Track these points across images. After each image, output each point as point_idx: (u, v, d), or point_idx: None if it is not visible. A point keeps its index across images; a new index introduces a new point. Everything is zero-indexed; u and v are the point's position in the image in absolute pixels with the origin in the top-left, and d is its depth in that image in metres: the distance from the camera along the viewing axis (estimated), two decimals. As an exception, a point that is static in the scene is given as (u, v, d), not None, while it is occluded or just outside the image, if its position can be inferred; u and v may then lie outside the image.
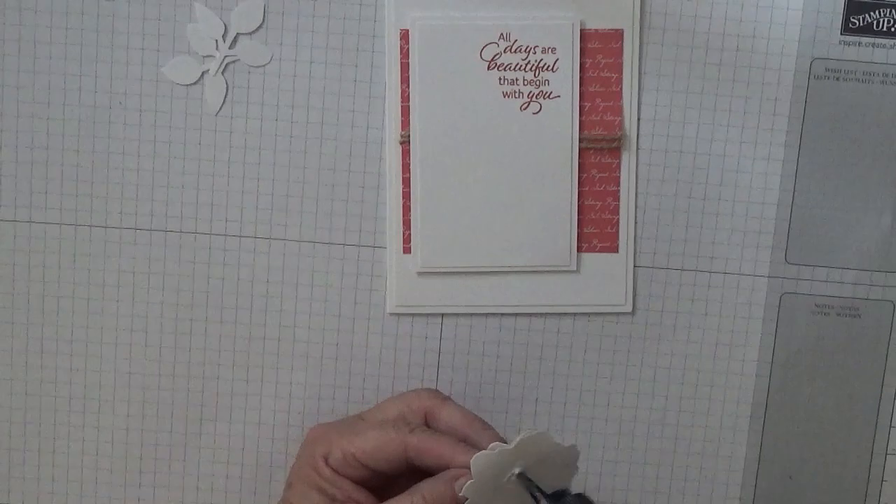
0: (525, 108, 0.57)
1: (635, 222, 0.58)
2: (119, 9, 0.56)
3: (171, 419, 0.59)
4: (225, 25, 0.56)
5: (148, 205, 0.57)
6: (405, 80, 0.56)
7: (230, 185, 0.57)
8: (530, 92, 0.57)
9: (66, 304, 0.58)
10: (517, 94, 0.57)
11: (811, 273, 0.58)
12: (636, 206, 0.58)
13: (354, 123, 0.57)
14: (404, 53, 0.56)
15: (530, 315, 0.59)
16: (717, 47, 0.57)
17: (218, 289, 0.58)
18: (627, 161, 0.57)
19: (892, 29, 0.57)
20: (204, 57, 0.56)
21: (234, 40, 0.56)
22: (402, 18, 0.56)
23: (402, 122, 0.57)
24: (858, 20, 0.56)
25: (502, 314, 0.59)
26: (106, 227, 0.58)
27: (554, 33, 0.56)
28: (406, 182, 0.57)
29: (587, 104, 0.57)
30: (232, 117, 0.57)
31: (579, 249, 0.58)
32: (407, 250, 0.58)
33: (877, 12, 0.56)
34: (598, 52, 0.57)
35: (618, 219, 0.58)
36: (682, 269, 0.58)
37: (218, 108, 0.57)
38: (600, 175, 0.58)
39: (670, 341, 0.59)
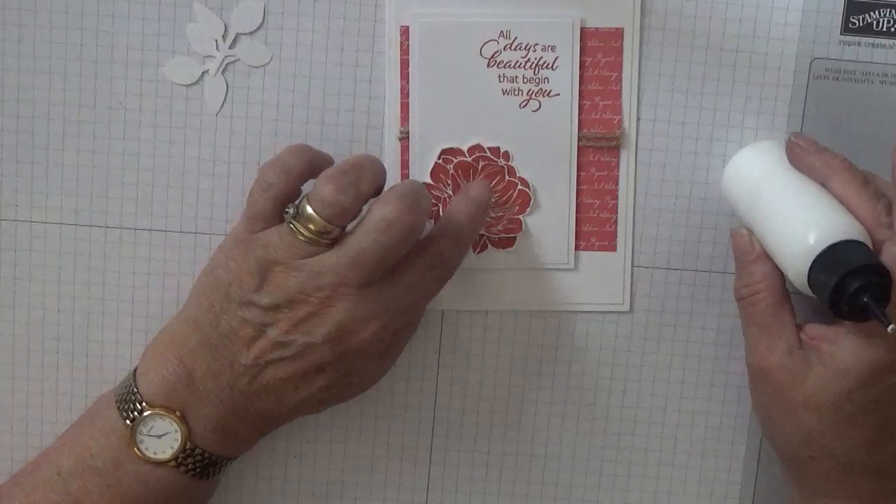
0: (524, 106, 0.57)
1: (633, 221, 0.58)
2: (119, 9, 0.56)
3: (172, 419, 0.59)
4: (225, 25, 0.56)
5: (148, 205, 0.58)
6: (405, 77, 0.56)
7: (230, 185, 0.57)
8: (530, 90, 0.57)
9: (67, 304, 0.58)
10: (517, 92, 0.57)
11: (811, 273, 0.58)
12: (634, 205, 0.58)
13: (354, 123, 0.57)
14: (404, 50, 0.56)
15: (529, 313, 0.59)
16: (717, 47, 0.57)
17: (218, 289, 0.58)
18: (626, 160, 0.57)
19: (892, 29, 0.56)
20: (204, 57, 0.56)
21: (234, 40, 0.56)
22: (403, 14, 0.56)
23: (402, 118, 0.57)
24: (858, 20, 0.56)
25: (501, 312, 0.59)
26: (106, 227, 0.58)
27: (554, 31, 0.56)
28: (405, 178, 0.57)
29: (587, 102, 0.57)
30: (232, 117, 0.57)
31: (577, 248, 0.58)
32: None
33: (877, 12, 0.56)
34: (598, 50, 0.57)
35: (616, 217, 0.58)
36: (681, 269, 0.58)
37: (218, 108, 0.57)
38: (599, 173, 0.58)
39: (670, 341, 0.59)
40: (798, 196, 0.52)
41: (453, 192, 0.57)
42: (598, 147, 0.57)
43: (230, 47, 0.56)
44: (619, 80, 0.57)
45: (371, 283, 0.50)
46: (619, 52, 0.57)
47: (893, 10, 0.56)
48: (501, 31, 0.56)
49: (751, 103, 0.57)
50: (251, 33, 0.56)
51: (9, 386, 0.59)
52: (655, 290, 0.59)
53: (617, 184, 0.58)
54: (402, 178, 0.57)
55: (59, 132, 0.57)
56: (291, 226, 0.50)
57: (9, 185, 0.57)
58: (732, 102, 0.57)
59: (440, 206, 0.57)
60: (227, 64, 0.57)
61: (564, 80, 0.57)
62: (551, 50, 0.56)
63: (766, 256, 0.53)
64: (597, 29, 0.56)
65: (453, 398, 0.60)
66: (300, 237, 0.50)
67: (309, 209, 0.50)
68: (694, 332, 0.59)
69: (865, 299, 0.47)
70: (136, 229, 0.58)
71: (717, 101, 0.57)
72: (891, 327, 0.46)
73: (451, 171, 0.57)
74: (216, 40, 0.56)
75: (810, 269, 0.49)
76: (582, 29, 0.56)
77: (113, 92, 0.57)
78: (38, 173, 0.57)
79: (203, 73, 0.57)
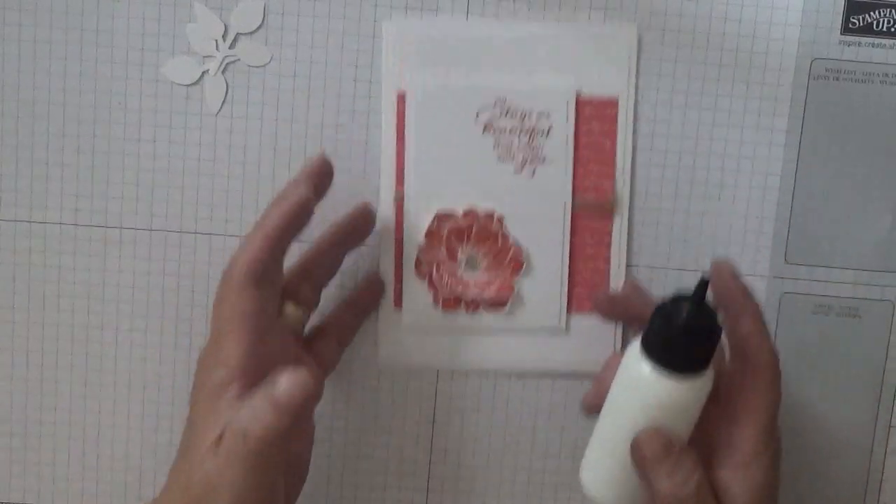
0: (519, 172, 0.57)
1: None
2: (119, 9, 0.56)
3: (172, 419, 0.59)
4: (225, 25, 0.56)
5: (148, 205, 0.58)
6: (401, 141, 0.57)
7: (230, 185, 0.57)
8: (524, 156, 0.57)
9: (66, 303, 0.58)
10: (511, 158, 0.57)
11: (811, 273, 0.58)
12: (627, 267, 0.58)
13: (354, 123, 0.57)
14: (400, 115, 0.57)
15: (523, 374, 0.59)
16: (717, 47, 0.57)
17: (218, 289, 0.58)
18: (619, 225, 0.58)
19: (892, 29, 0.56)
20: (204, 57, 0.56)
21: (234, 40, 0.56)
22: (400, 80, 0.56)
23: (397, 181, 0.57)
24: (858, 20, 0.56)
25: (496, 372, 0.59)
26: (106, 227, 0.58)
27: (550, 100, 0.56)
28: (399, 241, 0.57)
29: (581, 169, 0.57)
30: (232, 117, 0.57)
31: (569, 311, 0.58)
32: (398, 304, 0.58)
33: (877, 12, 0.56)
34: (593, 118, 0.57)
35: (608, 281, 0.58)
36: (682, 270, 0.58)
37: (218, 108, 0.57)
38: (592, 238, 0.58)
39: None
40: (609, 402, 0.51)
41: (447, 255, 0.57)
42: (592, 213, 0.57)
43: (230, 47, 0.56)
44: (613, 147, 0.57)
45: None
46: (614, 120, 0.57)
47: (893, 10, 0.56)
48: (497, 99, 0.56)
49: (751, 103, 0.57)
50: (251, 33, 0.56)
51: (8, 386, 0.59)
52: None
53: (609, 248, 0.58)
54: (395, 242, 0.57)
55: (59, 132, 0.57)
56: None
57: (9, 185, 0.57)
58: (732, 103, 0.57)
59: (433, 268, 0.57)
60: (227, 64, 0.57)
61: (559, 147, 0.57)
62: (546, 118, 0.57)
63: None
64: (592, 98, 0.57)
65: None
66: None
67: None
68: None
69: (684, 304, 0.47)
70: (136, 229, 0.58)
71: (717, 102, 0.57)
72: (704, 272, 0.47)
73: (445, 235, 0.57)
74: (216, 40, 0.56)
75: (645, 353, 0.48)
76: (577, 98, 0.57)
77: (113, 92, 0.57)
78: (38, 173, 0.57)
79: (203, 73, 0.57)
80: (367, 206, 0.56)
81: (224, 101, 0.57)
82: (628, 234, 0.58)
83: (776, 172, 0.58)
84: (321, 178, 0.52)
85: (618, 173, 0.57)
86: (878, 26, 0.56)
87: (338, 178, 0.54)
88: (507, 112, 0.56)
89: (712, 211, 0.58)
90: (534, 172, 0.57)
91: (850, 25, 0.56)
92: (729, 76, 0.57)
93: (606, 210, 0.57)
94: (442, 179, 0.57)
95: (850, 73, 0.57)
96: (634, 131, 0.57)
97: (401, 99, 0.56)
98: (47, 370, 0.59)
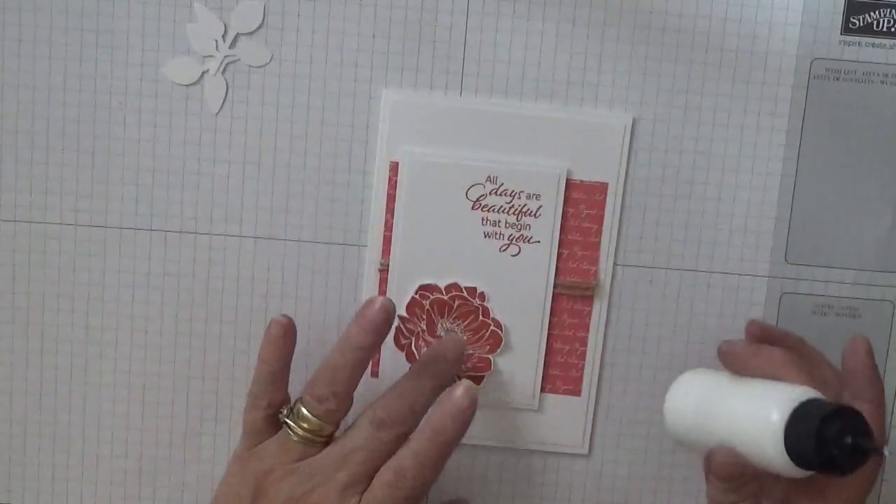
0: (504, 250, 0.57)
1: (601, 367, 0.59)
2: (119, 9, 0.56)
3: (171, 419, 0.59)
4: (225, 25, 0.56)
5: (148, 205, 0.58)
6: (390, 211, 0.57)
7: (230, 185, 0.57)
8: (511, 235, 0.57)
9: (66, 304, 0.58)
10: (498, 236, 0.57)
11: (811, 273, 0.58)
12: (604, 350, 0.59)
13: (354, 124, 0.57)
14: (392, 185, 0.57)
15: (492, 449, 0.60)
16: (717, 47, 0.57)
17: (218, 288, 0.58)
18: (599, 309, 0.58)
19: (892, 29, 0.57)
20: (204, 57, 0.56)
21: (234, 40, 0.56)
22: (394, 150, 0.57)
23: (383, 251, 0.57)
24: (858, 20, 0.56)
25: (466, 446, 0.59)
26: (106, 227, 0.58)
27: (540, 180, 0.57)
28: None
29: (565, 251, 0.58)
30: (232, 117, 0.57)
31: (543, 390, 0.59)
32: (375, 374, 0.58)
33: (877, 12, 0.56)
34: (582, 202, 0.57)
35: (584, 364, 0.59)
36: (681, 269, 0.58)
37: (218, 108, 0.57)
38: (571, 320, 0.58)
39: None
40: (748, 391, 0.50)
41: (427, 329, 0.57)
42: (573, 295, 0.58)
43: (230, 47, 0.56)
44: (599, 232, 0.58)
45: (359, 481, 0.50)
46: (602, 205, 0.57)
47: (893, 10, 0.56)
48: (489, 176, 0.57)
49: (751, 103, 0.57)
50: (251, 33, 0.56)
51: (8, 386, 0.59)
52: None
53: (588, 331, 0.58)
54: None
55: (59, 132, 0.57)
56: (286, 425, 0.51)
57: (9, 185, 0.57)
58: (732, 103, 0.57)
59: (412, 339, 0.58)
60: (227, 64, 0.57)
61: (546, 228, 0.57)
62: (536, 198, 0.57)
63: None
64: (582, 181, 0.57)
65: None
66: (294, 438, 0.51)
67: (303, 409, 0.51)
68: (695, 333, 0.59)
69: (849, 439, 0.45)
70: (136, 229, 0.58)
71: (717, 102, 0.57)
72: (887, 450, 0.45)
73: (427, 307, 0.57)
74: (216, 40, 0.56)
75: (786, 441, 0.46)
76: (567, 180, 0.57)
77: (113, 92, 0.57)
78: (37, 173, 0.57)
79: (203, 73, 0.57)
80: (388, 308, 0.52)
81: (224, 101, 0.57)
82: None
83: (776, 172, 0.58)
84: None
85: (602, 257, 0.58)
86: (878, 26, 0.56)
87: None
88: (497, 190, 0.57)
89: (712, 211, 0.58)
90: (519, 251, 0.57)
91: (850, 25, 0.56)
92: (729, 76, 0.57)
93: (588, 293, 0.58)
94: (427, 252, 0.57)
95: (850, 73, 0.57)
96: (622, 217, 0.58)
97: (393, 168, 0.57)
98: (47, 370, 0.59)
